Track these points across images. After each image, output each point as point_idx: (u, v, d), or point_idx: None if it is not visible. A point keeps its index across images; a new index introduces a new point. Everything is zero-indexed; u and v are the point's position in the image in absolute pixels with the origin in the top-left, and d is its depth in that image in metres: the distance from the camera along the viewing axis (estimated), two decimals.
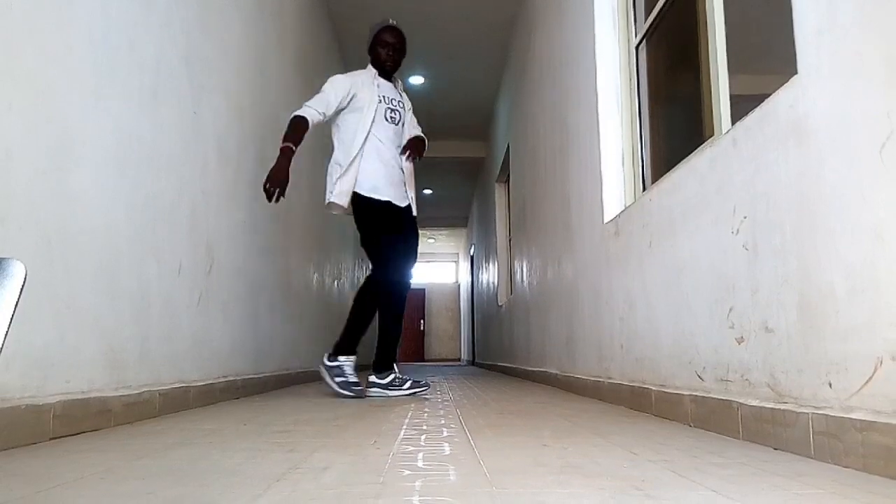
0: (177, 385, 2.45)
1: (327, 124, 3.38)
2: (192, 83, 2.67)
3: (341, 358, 3.26)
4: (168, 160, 2.44)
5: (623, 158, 3.13)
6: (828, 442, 1.33)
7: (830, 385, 1.36)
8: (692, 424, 1.99)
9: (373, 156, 3.29)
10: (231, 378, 3.09)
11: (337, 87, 3.30)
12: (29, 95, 1.65)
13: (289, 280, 4.41)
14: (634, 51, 3.11)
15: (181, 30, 2.57)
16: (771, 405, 1.56)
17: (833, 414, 1.32)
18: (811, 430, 1.38)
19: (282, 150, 3.07)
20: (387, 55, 3.41)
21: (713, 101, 2.15)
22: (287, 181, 3.05)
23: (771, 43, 1.84)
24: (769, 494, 1.04)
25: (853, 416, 1.26)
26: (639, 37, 3.06)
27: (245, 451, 1.48)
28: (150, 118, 2.30)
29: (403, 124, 3.46)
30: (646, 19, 2.97)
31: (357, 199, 3.27)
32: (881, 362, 1.21)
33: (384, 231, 3.27)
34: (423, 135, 3.57)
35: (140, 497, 1.02)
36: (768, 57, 1.98)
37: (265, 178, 3.08)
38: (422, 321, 18.20)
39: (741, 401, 1.70)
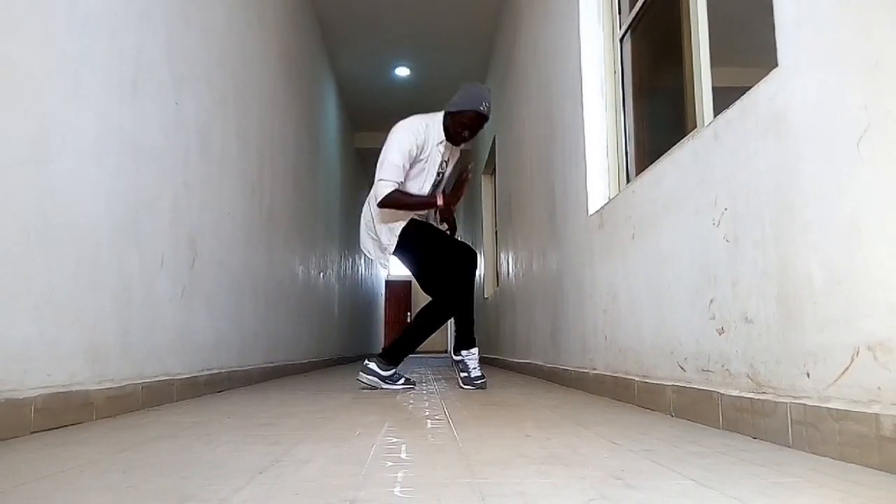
0: (160, 378, 2.43)
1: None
2: (173, 73, 2.64)
3: (392, 368, 3.30)
4: (149, 151, 2.42)
5: (607, 150, 3.14)
6: (805, 431, 1.35)
7: (808, 375, 1.38)
8: (674, 414, 2.01)
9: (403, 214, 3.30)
10: (215, 371, 3.07)
11: (403, 149, 3.15)
12: (6, 84, 1.63)
13: (273, 273, 4.39)
14: (619, 43, 3.12)
15: (162, 20, 2.55)
16: (750, 395, 1.58)
17: (811, 403, 1.34)
18: (789, 419, 1.40)
19: (436, 204, 3.22)
20: (460, 134, 3.23)
21: (696, 94, 2.16)
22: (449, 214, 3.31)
23: (754, 36, 1.85)
24: (747, 483, 1.05)
25: (830, 405, 1.28)
26: (623, 29, 3.07)
27: (228, 443, 1.47)
28: (130, 108, 2.27)
29: (442, 183, 3.40)
30: (630, 11, 2.97)
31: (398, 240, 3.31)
32: (858, 353, 1.23)
33: (431, 251, 3.33)
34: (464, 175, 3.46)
35: (120, 490, 1.02)
36: (751, 50, 1.99)
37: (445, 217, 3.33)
38: (408, 313, 18.21)
39: (721, 391, 1.72)
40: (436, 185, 3.32)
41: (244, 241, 3.66)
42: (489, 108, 3.22)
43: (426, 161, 3.23)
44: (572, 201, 3.45)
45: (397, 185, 3.15)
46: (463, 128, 3.21)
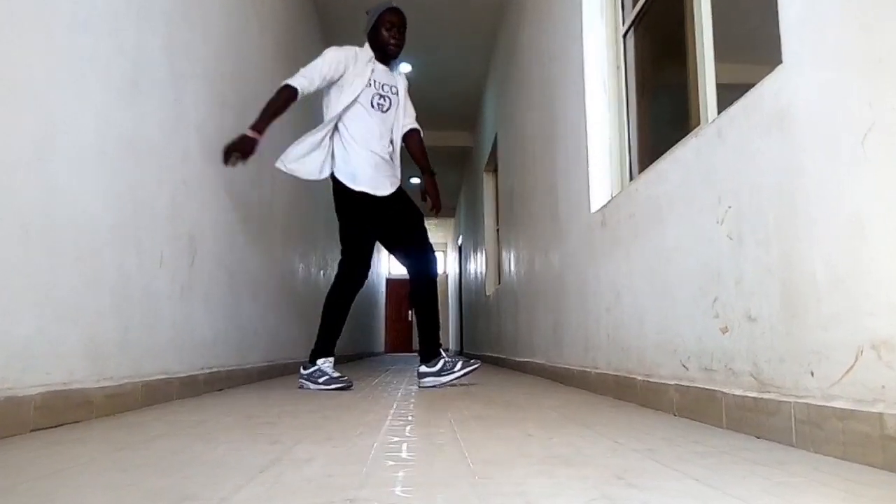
0: (159, 376, 2.43)
1: (318, 94, 3.29)
2: (172, 72, 2.63)
3: (319, 361, 3.19)
4: (149, 150, 2.41)
5: (610, 148, 3.13)
6: (809, 430, 1.34)
7: (812, 374, 1.37)
8: (677, 414, 2.00)
9: (353, 142, 3.21)
10: (215, 369, 3.07)
11: (328, 59, 3.18)
12: (6, 83, 1.62)
13: (273, 271, 4.39)
14: (622, 39, 3.11)
15: (161, 18, 2.54)
16: (754, 394, 1.57)
17: (814, 402, 1.33)
18: (793, 418, 1.39)
19: (247, 136, 2.99)
20: (391, 36, 3.26)
21: (699, 91, 2.15)
22: (250, 154, 3.01)
23: (758, 32, 1.84)
24: (750, 482, 1.05)
25: (834, 404, 1.27)
26: (626, 25, 3.05)
27: (228, 442, 1.47)
28: (130, 106, 2.26)
29: (392, 111, 3.35)
30: (633, 7, 2.96)
31: (336, 184, 3.24)
32: (862, 351, 1.22)
33: (352, 224, 3.27)
34: (416, 125, 3.51)
35: (121, 489, 1.01)
36: (755, 46, 1.98)
37: (229, 144, 3.01)
38: (409, 311, 18.22)
39: (725, 390, 1.71)
40: (379, 108, 3.26)
41: (243, 239, 3.65)
42: (398, 6, 3.30)
43: (355, 75, 3.19)
44: (575, 199, 3.44)
45: (302, 89, 3.12)
46: (387, 29, 3.27)
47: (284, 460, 1.24)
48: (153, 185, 2.44)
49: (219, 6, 3.25)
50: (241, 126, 3.60)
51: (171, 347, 2.59)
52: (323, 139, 3.20)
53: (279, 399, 2.58)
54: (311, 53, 5.96)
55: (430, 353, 3.28)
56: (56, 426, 1.73)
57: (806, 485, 1.03)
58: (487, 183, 8.51)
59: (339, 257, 3.43)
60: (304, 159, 3.20)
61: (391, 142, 3.37)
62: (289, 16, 5.01)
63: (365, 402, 2.46)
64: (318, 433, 1.60)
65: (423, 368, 3.28)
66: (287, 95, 3.12)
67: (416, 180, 12.46)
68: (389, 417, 1.94)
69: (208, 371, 2.96)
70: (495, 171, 7.74)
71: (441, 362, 3.24)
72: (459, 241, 13.74)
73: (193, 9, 2.88)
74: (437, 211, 3.42)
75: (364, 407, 2.26)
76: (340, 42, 3.27)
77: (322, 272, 6.40)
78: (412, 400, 2.53)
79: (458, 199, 13.71)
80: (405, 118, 3.48)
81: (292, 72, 3.23)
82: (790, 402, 1.41)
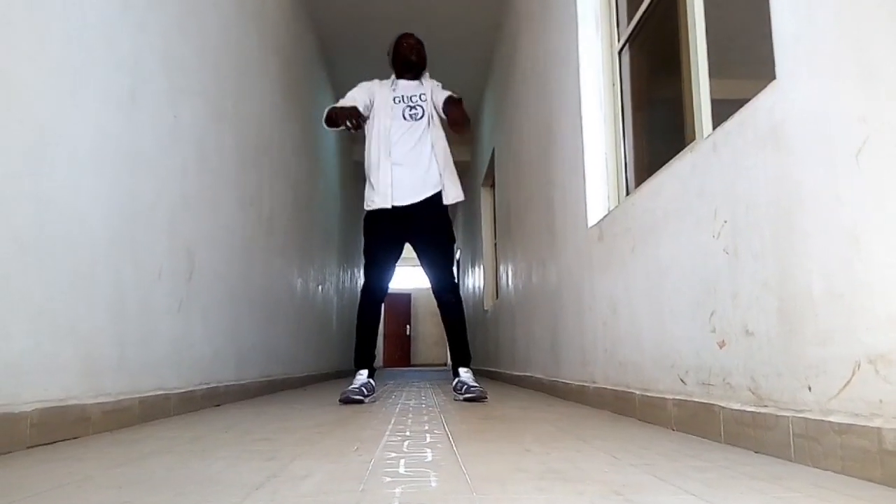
0: (156, 392, 2.41)
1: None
2: (170, 85, 2.65)
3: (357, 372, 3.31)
4: (146, 163, 2.41)
5: (606, 163, 3.14)
6: (807, 445, 1.33)
7: (810, 388, 1.37)
8: (675, 428, 1.99)
9: (382, 157, 3.36)
10: (213, 385, 3.05)
11: (360, 88, 3.50)
12: (0, 94, 1.63)
13: (271, 286, 4.38)
14: (617, 55, 3.13)
15: (158, 32, 2.55)
16: (751, 408, 1.56)
17: (812, 417, 1.33)
18: (791, 433, 1.39)
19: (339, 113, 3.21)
20: (409, 51, 3.53)
21: (694, 106, 2.16)
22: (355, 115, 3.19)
23: (752, 48, 1.86)
24: (748, 498, 1.04)
25: (832, 419, 1.27)
26: (621, 41, 3.08)
27: (225, 458, 1.46)
28: (127, 120, 2.27)
29: (426, 117, 3.45)
30: (628, 24, 2.99)
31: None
32: (859, 366, 1.22)
33: (368, 242, 3.44)
34: (453, 94, 3.47)
35: None
36: (750, 62, 2.00)
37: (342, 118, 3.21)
38: (408, 326, 18.16)
39: (722, 404, 1.71)
40: (413, 118, 3.42)
41: (242, 254, 3.65)
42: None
43: (381, 97, 3.46)
44: (571, 213, 3.44)
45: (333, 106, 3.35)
46: (404, 46, 3.55)
47: (281, 476, 1.23)
48: (151, 199, 2.44)
49: (217, 23, 3.27)
50: (241, 141, 3.62)
51: (169, 363, 2.58)
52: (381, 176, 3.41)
53: (276, 415, 2.57)
54: (309, 71, 6.02)
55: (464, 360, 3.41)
56: (52, 443, 1.72)
57: (804, 499, 1.03)
58: (485, 198, 8.52)
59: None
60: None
61: (429, 148, 3.45)
62: (288, 33, 5.04)
63: (362, 417, 2.45)
64: (314, 449, 1.60)
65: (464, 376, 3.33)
66: (330, 114, 3.30)
67: None
68: (387, 433, 1.93)
69: (206, 387, 2.95)
70: (493, 185, 7.76)
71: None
72: (457, 256, 13.74)
73: (191, 24, 2.90)
74: (459, 125, 3.35)
75: (361, 422, 2.25)
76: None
77: (320, 287, 6.39)
78: (410, 415, 2.52)
79: (456, 212, 13.73)
80: (439, 101, 3.48)
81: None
82: (788, 417, 1.41)
